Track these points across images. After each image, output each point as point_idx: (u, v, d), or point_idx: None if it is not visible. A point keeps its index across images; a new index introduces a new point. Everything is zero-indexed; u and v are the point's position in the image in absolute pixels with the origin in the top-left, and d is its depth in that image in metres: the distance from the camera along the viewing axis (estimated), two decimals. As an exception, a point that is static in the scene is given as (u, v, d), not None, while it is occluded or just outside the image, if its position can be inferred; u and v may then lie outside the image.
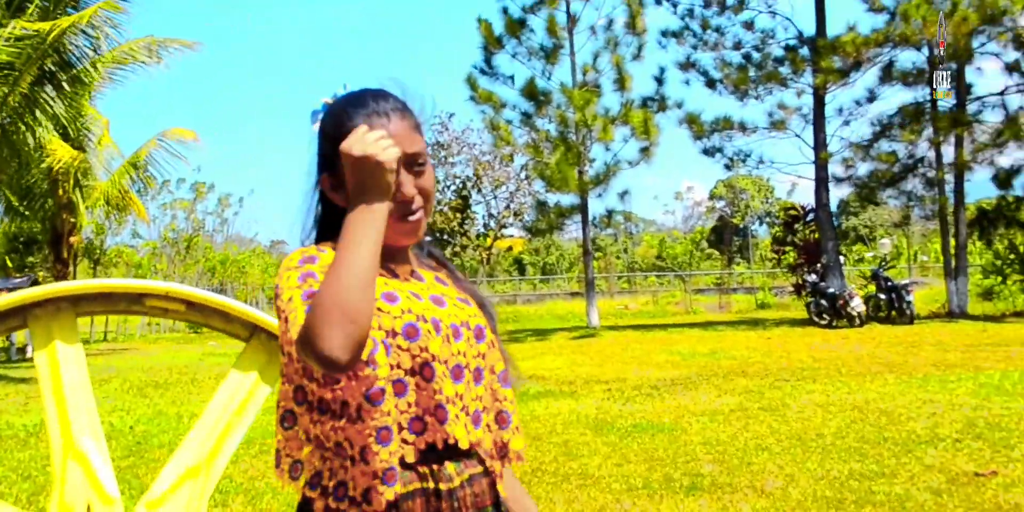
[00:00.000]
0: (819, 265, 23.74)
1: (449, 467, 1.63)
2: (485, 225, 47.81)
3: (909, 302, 21.34)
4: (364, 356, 1.49)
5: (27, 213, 24.41)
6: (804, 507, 5.51)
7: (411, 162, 1.68)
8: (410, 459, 1.59)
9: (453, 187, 46.87)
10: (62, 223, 26.12)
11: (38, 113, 18.12)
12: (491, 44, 25.40)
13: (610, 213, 27.27)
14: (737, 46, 26.20)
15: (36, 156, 20.37)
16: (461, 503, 1.63)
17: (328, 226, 1.77)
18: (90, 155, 24.20)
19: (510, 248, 52.45)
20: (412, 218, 1.70)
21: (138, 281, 2.71)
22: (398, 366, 1.58)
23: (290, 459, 1.65)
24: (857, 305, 20.89)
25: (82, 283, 2.67)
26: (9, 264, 55.85)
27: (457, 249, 46.35)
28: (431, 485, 1.61)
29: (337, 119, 1.70)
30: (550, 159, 24.50)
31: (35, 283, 48.56)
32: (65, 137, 20.85)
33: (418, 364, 1.60)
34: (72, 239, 27.05)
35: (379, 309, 1.59)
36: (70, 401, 2.58)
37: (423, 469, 1.61)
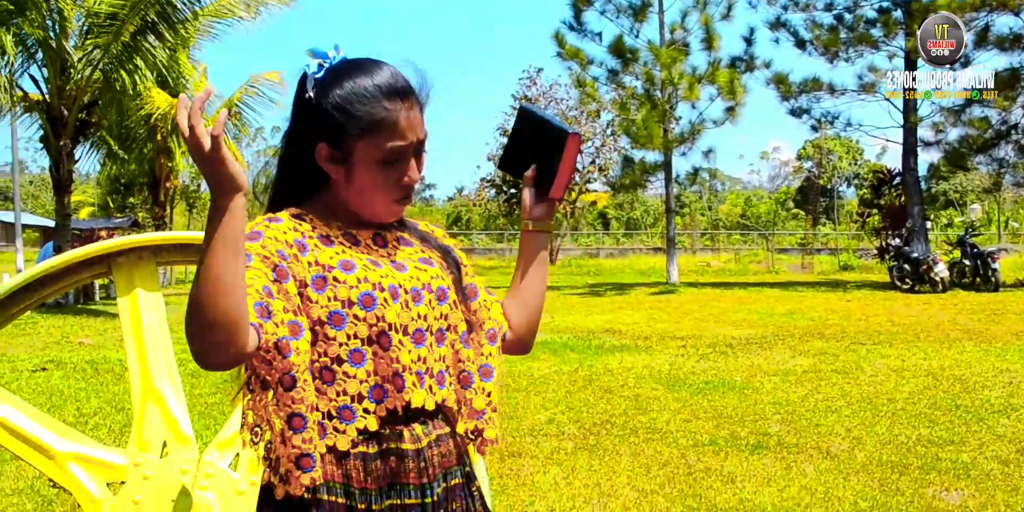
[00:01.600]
0: (904, 229, 23.25)
1: (417, 428, 1.67)
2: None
3: (995, 269, 20.77)
4: (270, 344, 1.52)
5: (127, 158, 25.14)
6: (868, 470, 5.53)
7: (420, 147, 1.71)
8: (372, 428, 1.62)
9: (540, 140, 46.63)
10: (160, 168, 26.89)
11: (138, 62, 18.58)
12: (580, 1, 25.17)
13: (695, 170, 26.92)
14: (829, 7, 25.47)
15: (135, 103, 20.93)
16: (428, 462, 1.67)
17: (296, 186, 1.75)
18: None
19: (594, 203, 52.22)
20: (404, 203, 1.74)
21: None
22: (355, 336, 1.61)
23: (250, 424, 1.65)
24: (941, 271, 20.43)
25: (163, 235, 2.83)
26: (111, 205, 57.50)
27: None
28: (393, 445, 1.64)
29: (356, 93, 1.65)
30: (636, 116, 24.31)
31: (135, 224, 49.92)
32: (163, 85, 21.35)
33: (375, 333, 1.62)
34: (168, 184, 27.84)
35: (335, 279, 1.61)
36: (149, 345, 2.75)
37: (386, 431, 1.64)
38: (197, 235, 2.86)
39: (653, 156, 25.66)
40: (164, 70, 19.75)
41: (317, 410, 1.60)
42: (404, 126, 1.66)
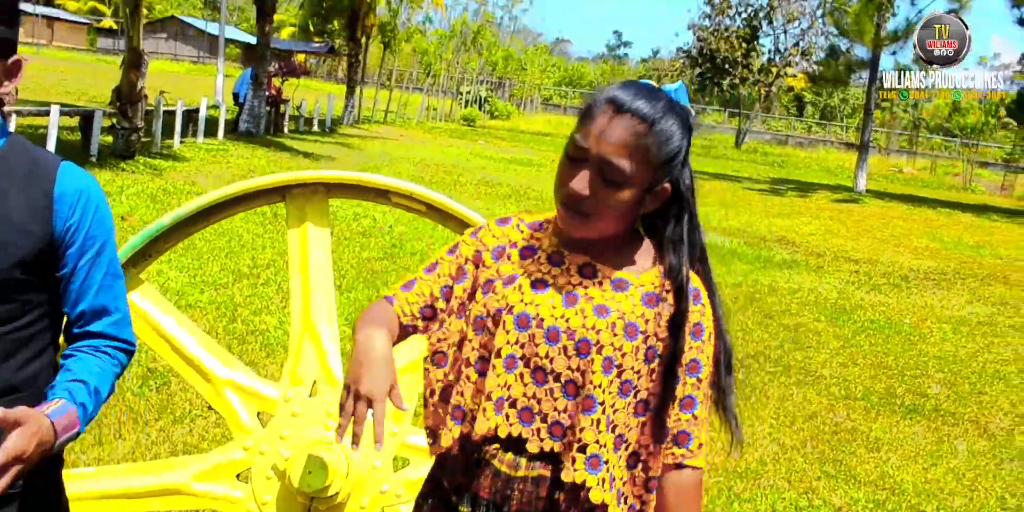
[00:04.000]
0: None
1: (508, 455, 1.66)
2: (769, 60, 45.53)
3: None
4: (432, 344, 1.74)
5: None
6: (1025, 458, 5.26)
7: (606, 174, 1.59)
8: (446, 445, 1.71)
9: (744, 14, 44.60)
10: (360, 3, 27.06)
11: None
12: None
13: (900, 71, 25.27)
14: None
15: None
16: (511, 488, 1.66)
17: None
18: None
19: (791, 89, 50.03)
20: (573, 217, 1.63)
21: (388, 179, 2.81)
22: (473, 349, 1.70)
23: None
24: None
25: (339, 173, 2.80)
26: (311, 27, 58.81)
27: (736, 81, 44.64)
28: (487, 457, 1.68)
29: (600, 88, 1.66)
30: (850, 6, 22.80)
31: (331, 50, 50.90)
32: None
33: (477, 358, 1.68)
34: (367, 20, 28.06)
35: (494, 289, 1.68)
36: (313, 282, 2.77)
37: (488, 448, 1.68)
38: (371, 178, 2.84)
39: (860, 51, 24.20)
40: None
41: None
42: (594, 129, 1.59)
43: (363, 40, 28.79)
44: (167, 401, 4.62)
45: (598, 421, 1.62)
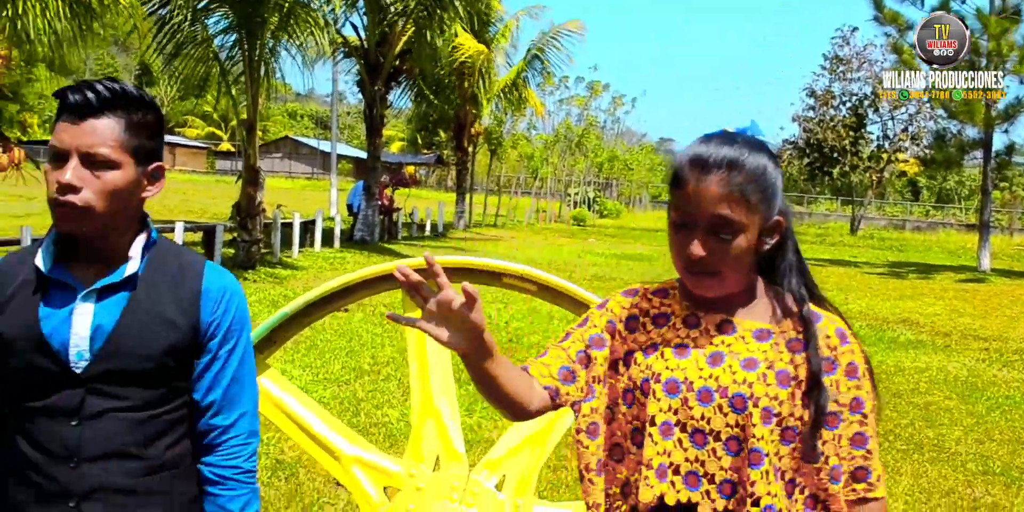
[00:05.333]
0: None
1: None
2: (879, 146, 45.02)
3: None
4: (569, 403, 1.75)
5: (435, 102, 26.40)
6: None
7: (712, 225, 1.62)
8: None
9: (849, 104, 44.40)
10: (465, 114, 27.94)
11: (450, 12, 19.36)
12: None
13: (1008, 149, 24.67)
14: None
15: (447, 51, 21.82)
16: None
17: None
18: (493, 51, 25.67)
19: (903, 174, 49.15)
20: (702, 279, 1.66)
21: (499, 261, 2.91)
22: (627, 422, 1.72)
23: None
24: None
25: (451, 258, 2.91)
26: (419, 141, 60.77)
27: (846, 169, 44.18)
28: None
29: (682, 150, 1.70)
30: (956, 89, 22.56)
31: (439, 160, 52.08)
32: (474, 34, 22.20)
33: (631, 430, 1.71)
34: (472, 129, 28.91)
35: (635, 361, 1.72)
36: (431, 363, 2.86)
37: None
38: (483, 262, 2.93)
39: (972, 132, 23.80)
40: (471, 18, 20.56)
41: (600, 475, 1.75)
42: (689, 192, 1.62)
43: (470, 149, 29.60)
44: (295, 490, 4.74)
45: (766, 472, 1.62)
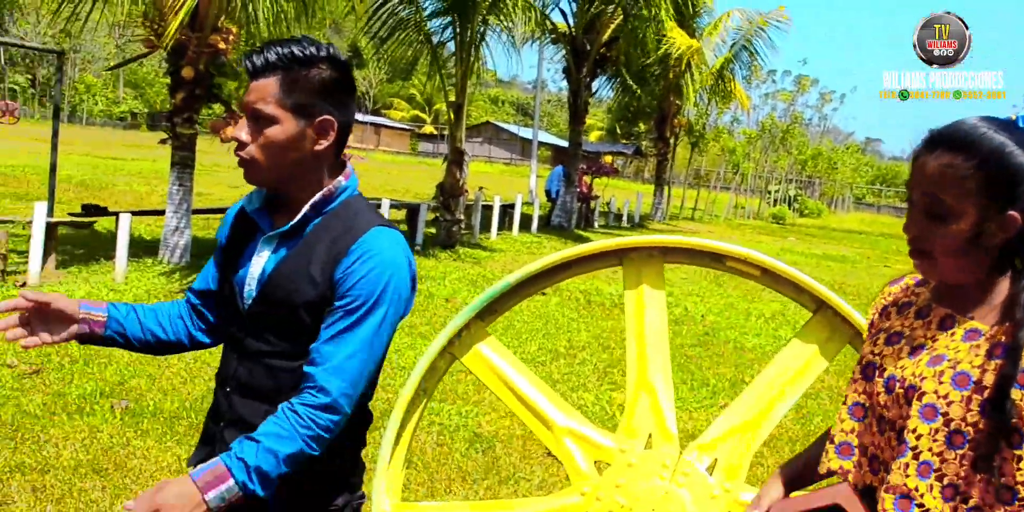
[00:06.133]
0: None
1: None
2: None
3: None
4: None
5: (639, 92, 26.29)
6: None
7: (929, 210, 1.60)
8: None
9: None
10: (668, 105, 27.71)
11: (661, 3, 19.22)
12: None
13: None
14: None
15: (654, 43, 21.67)
16: None
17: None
18: (702, 43, 25.36)
19: None
20: (915, 258, 1.66)
21: (724, 243, 2.89)
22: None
23: None
24: None
25: (676, 238, 2.91)
26: (618, 131, 60.63)
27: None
28: None
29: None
30: None
31: (637, 152, 51.55)
32: (680, 24, 21.96)
33: (850, 403, 1.79)
34: (675, 121, 28.67)
35: (872, 342, 1.79)
36: (648, 340, 2.88)
37: None
38: (707, 243, 2.92)
39: None
40: (678, 7, 20.33)
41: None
42: (913, 169, 1.64)
43: (671, 140, 29.35)
44: (492, 463, 4.86)
45: (906, 465, 1.58)
